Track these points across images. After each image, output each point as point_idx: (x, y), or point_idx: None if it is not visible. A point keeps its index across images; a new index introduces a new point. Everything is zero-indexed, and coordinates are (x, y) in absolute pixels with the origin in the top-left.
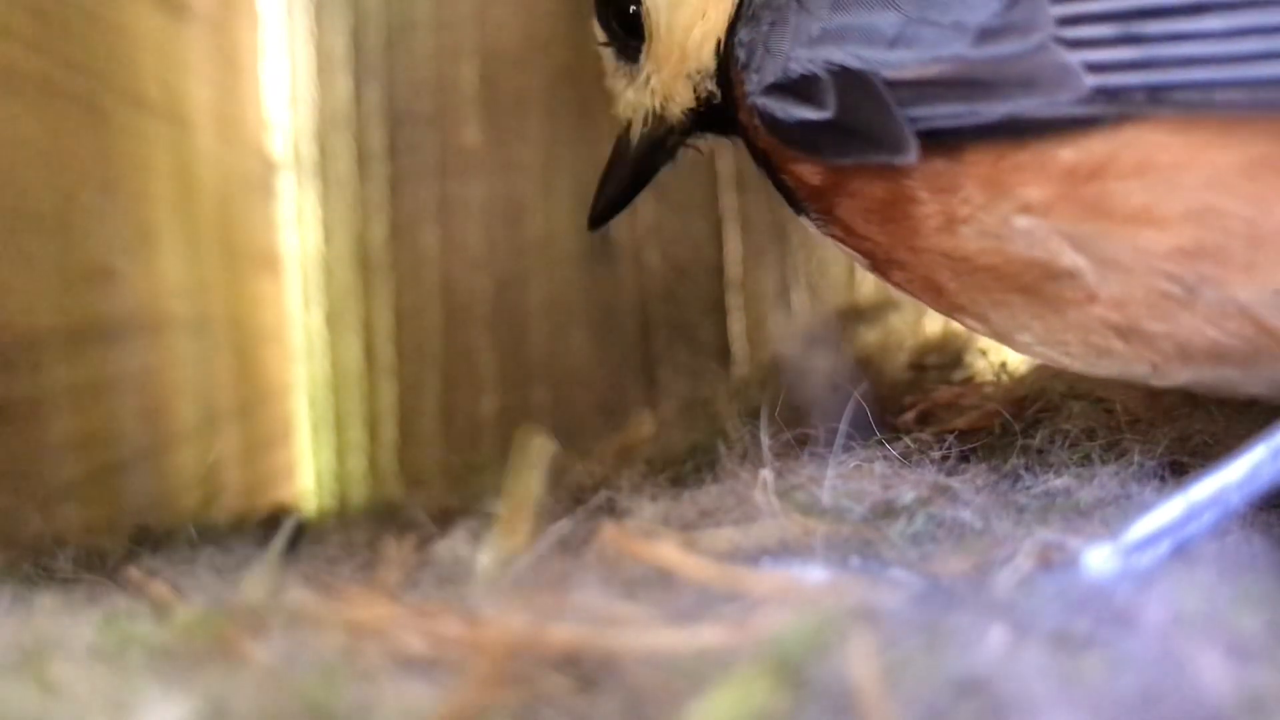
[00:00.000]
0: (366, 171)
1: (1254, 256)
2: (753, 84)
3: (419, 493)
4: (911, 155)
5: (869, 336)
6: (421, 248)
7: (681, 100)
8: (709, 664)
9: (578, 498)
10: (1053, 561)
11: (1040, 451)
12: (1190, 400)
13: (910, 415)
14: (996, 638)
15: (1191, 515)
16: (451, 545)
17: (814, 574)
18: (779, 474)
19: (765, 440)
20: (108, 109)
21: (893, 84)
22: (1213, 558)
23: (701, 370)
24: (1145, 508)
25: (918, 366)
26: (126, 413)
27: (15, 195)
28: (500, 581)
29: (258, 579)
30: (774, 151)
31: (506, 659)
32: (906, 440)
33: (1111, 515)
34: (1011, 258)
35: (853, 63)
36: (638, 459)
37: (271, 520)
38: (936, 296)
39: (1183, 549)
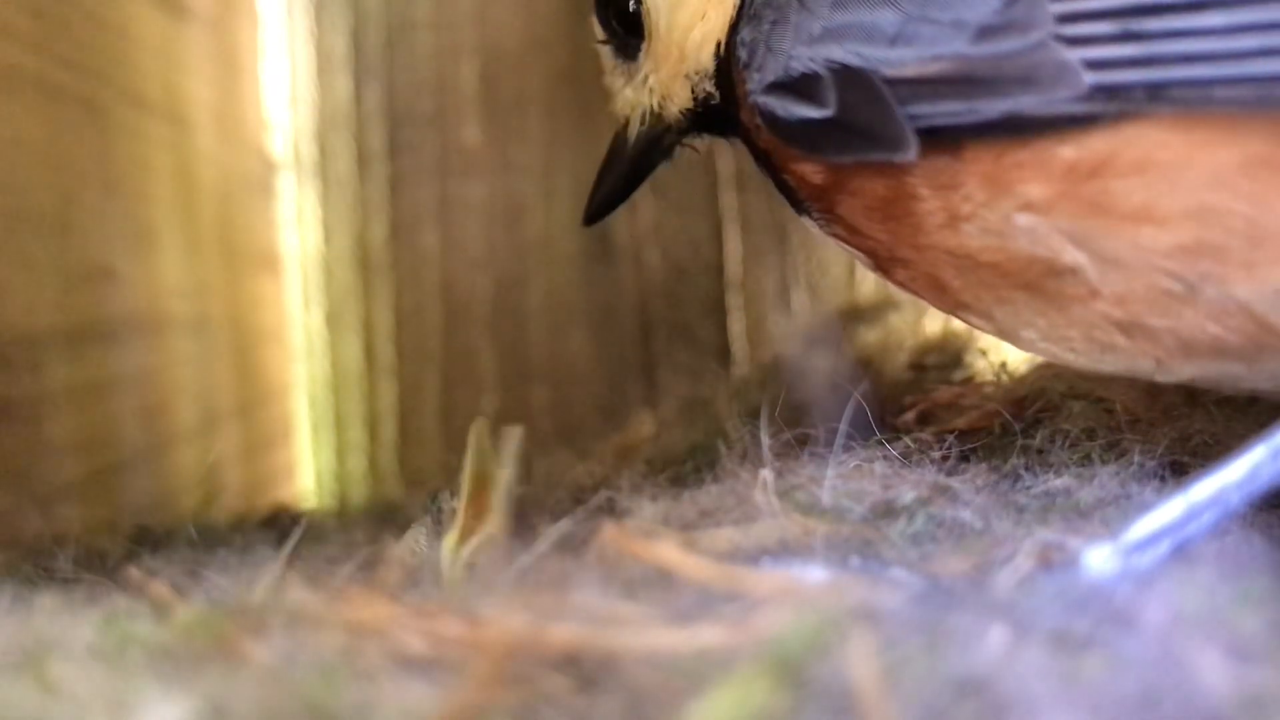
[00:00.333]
0: (366, 171)
1: (1254, 254)
2: (754, 83)
3: (419, 493)
4: (911, 153)
5: (869, 336)
6: (421, 248)
7: (679, 100)
8: (709, 664)
9: (578, 498)
10: (1053, 561)
11: (1040, 451)
12: (1190, 400)
13: (910, 415)
14: (996, 638)
15: (1191, 515)
16: (410, 541)
17: (814, 574)
18: (779, 474)
19: (765, 440)
20: (108, 109)
21: (893, 82)
22: (1213, 558)
23: (701, 370)
24: (1145, 508)
25: (918, 366)
26: (126, 413)
27: (15, 195)
28: (467, 574)
29: (270, 581)
30: (775, 151)
31: (506, 659)
32: (906, 440)
33: (1111, 515)
34: (1014, 255)
35: (853, 61)
36: (638, 459)
37: (272, 520)
38: (940, 294)
39: (1183, 549)
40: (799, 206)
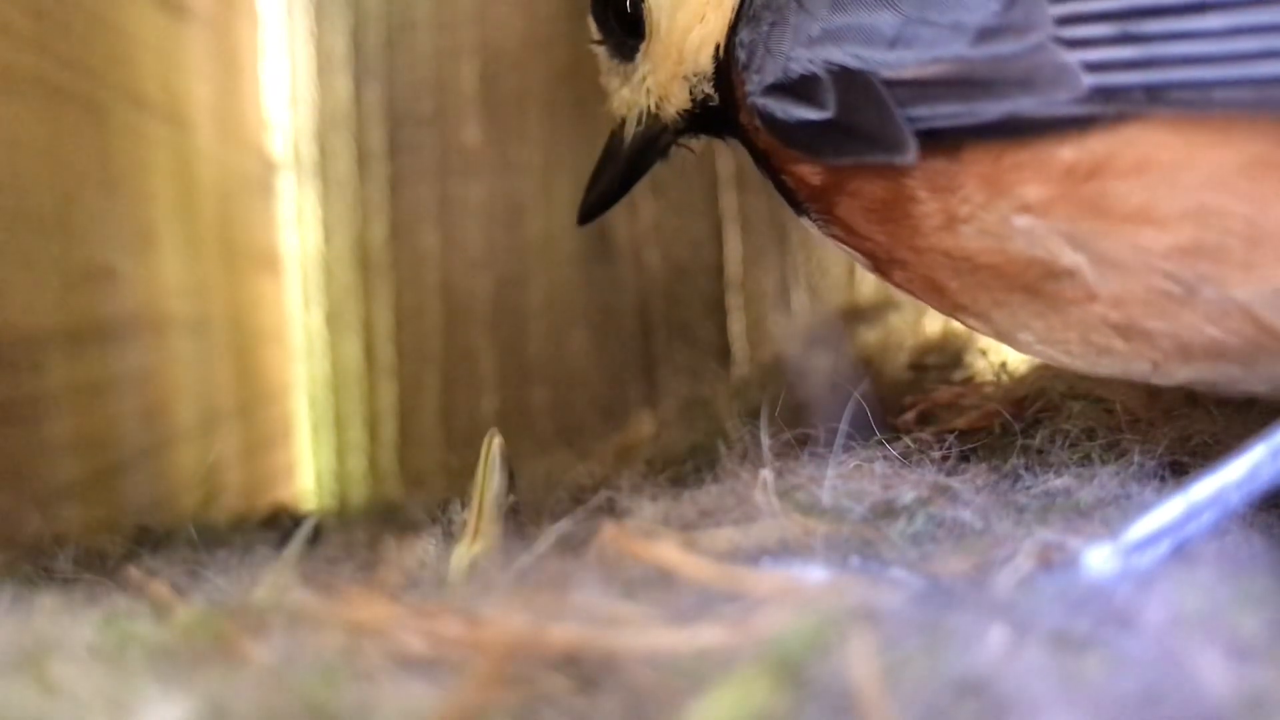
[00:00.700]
0: (366, 171)
1: (1252, 255)
2: (753, 84)
3: (419, 493)
4: (910, 155)
5: (869, 336)
6: (421, 248)
7: (677, 102)
8: (709, 664)
9: (578, 498)
10: (1053, 561)
11: (1040, 451)
12: (1190, 400)
13: (910, 415)
14: (996, 638)
15: (1191, 515)
16: (422, 549)
17: (814, 574)
18: (779, 474)
19: (765, 440)
20: (108, 109)
21: (892, 84)
22: (1213, 557)
23: (701, 370)
24: (1145, 508)
25: (918, 366)
26: (126, 413)
27: (15, 195)
28: (471, 580)
29: (276, 580)
30: (774, 152)
31: (506, 659)
32: (906, 440)
33: (1111, 515)
34: (1012, 257)
35: (852, 63)
36: (638, 459)
37: (272, 520)
38: (938, 296)
39: (1182, 549)
40: (798, 207)
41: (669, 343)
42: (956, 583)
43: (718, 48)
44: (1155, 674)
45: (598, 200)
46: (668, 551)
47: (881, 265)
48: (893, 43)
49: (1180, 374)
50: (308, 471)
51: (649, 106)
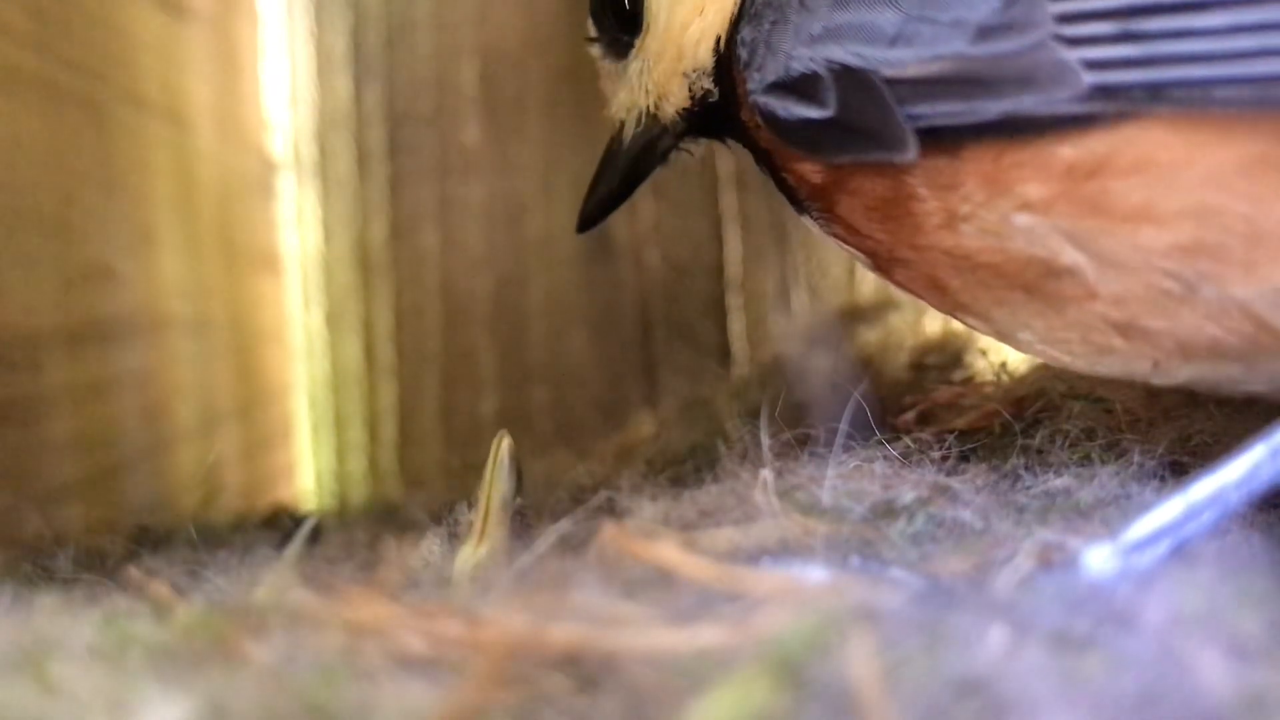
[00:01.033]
0: (366, 171)
1: (1253, 254)
2: (754, 82)
3: (419, 493)
4: (911, 153)
5: (869, 336)
6: (421, 248)
7: (676, 100)
8: (709, 664)
9: (578, 498)
10: (1053, 561)
11: (1040, 451)
12: (1190, 400)
13: (910, 415)
14: (996, 638)
15: (1191, 515)
16: (427, 549)
17: (814, 574)
18: (779, 474)
19: (765, 440)
20: (108, 109)
21: (893, 82)
22: (1212, 557)
23: (701, 370)
24: (1145, 508)
25: (918, 366)
26: (126, 413)
27: (15, 195)
28: (477, 582)
29: (277, 580)
30: (775, 150)
31: (506, 659)
32: (906, 440)
33: (1111, 515)
34: (1012, 255)
35: (853, 61)
36: (638, 459)
37: (272, 520)
38: (939, 295)
39: (1182, 549)
40: (799, 206)
41: (669, 343)
42: (956, 583)
43: (718, 41)
44: (1155, 674)
45: (597, 207)
46: (668, 551)
47: (882, 264)
48: (893, 41)
49: (1181, 373)
50: (308, 471)
51: (648, 106)
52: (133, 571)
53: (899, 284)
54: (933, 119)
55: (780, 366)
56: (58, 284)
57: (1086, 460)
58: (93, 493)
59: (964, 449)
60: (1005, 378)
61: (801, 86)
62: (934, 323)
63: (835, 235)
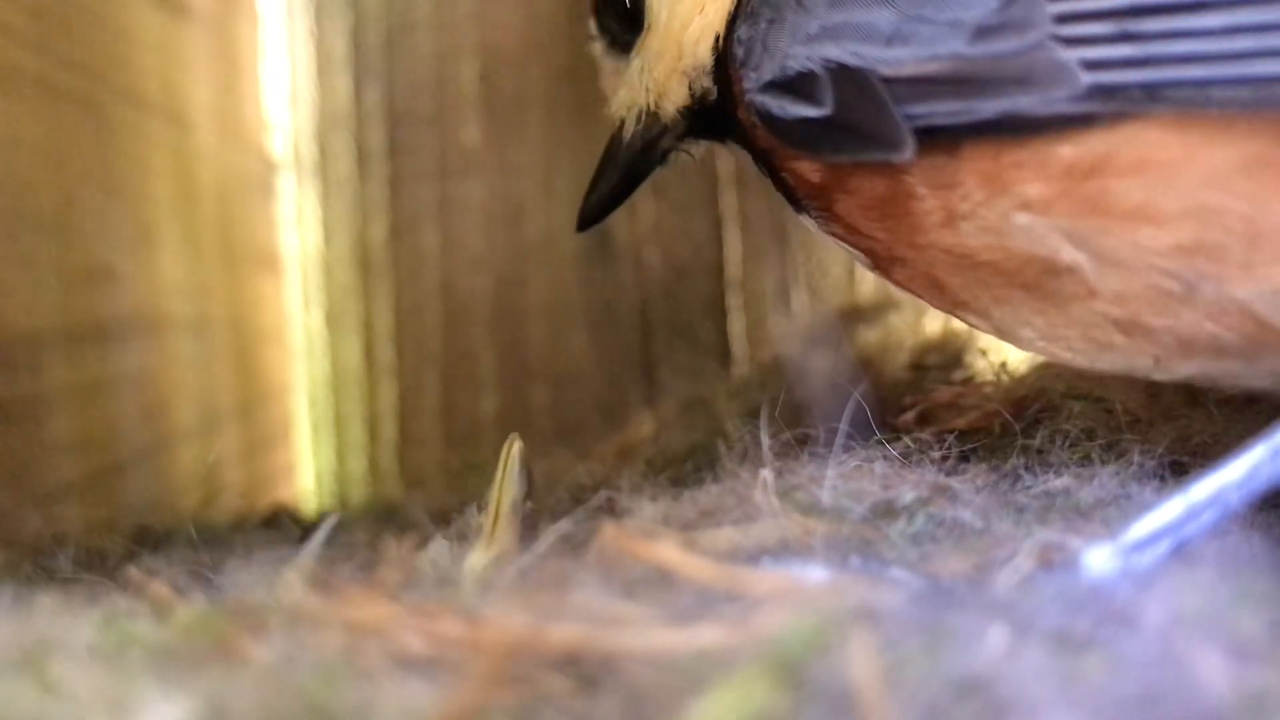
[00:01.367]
0: (366, 171)
1: (1252, 254)
2: (751, 81)
3: (419, 493)
4: (908, 153)
5: (869, 336)
6: (421, 248)
7: (676, 98)
8: (709, 664)
9: (578, 498)
10: (1053, 561)
11: (1040, 451)
12: (1190, 400)
13: (910, 415)
14: (996, 638)
15: (1191, 515)
16: (436, 552)
17: (814, 574)
18: (779, 474)
19: (765, 440)
20: (108, 109)
21: (890, 81)
22: (1213, 558)
23: (701, 370)
24: (1145, 508)
25: (918, 366)
26: (126, 413)
27: (15, 195)
28: (486, 586)
29: (291, 579)
30: (773, 150)
31: (506, 659)
32: (906, 440)
33: (1111, 515)
34: (1012, 253)
35: (850, 60)
36: (638, 459)
37: (272, 520)
38: (938, 293)
39: (1182, 549)
40: (797, 205)
41: (669, 343)
42: (956, 583)
43: (717, 39)
44: (1155, 674)
45: (597, 205)
46: (668, 551)
47: (881, 263)
48: (890, 40)
49: (1181, 370)
50: (308, 471)
51: (648, 105)
52: (133, 571)
53: (897, 282)
54: (930, 118)
55: (780, 366)
56: (58, 284)
57: (1086, 460)
58: (93, 493)
59: (964, 449)
60: (1005, 378)
61: (798, 85)
62: (934, 323)
63: (833, 234)
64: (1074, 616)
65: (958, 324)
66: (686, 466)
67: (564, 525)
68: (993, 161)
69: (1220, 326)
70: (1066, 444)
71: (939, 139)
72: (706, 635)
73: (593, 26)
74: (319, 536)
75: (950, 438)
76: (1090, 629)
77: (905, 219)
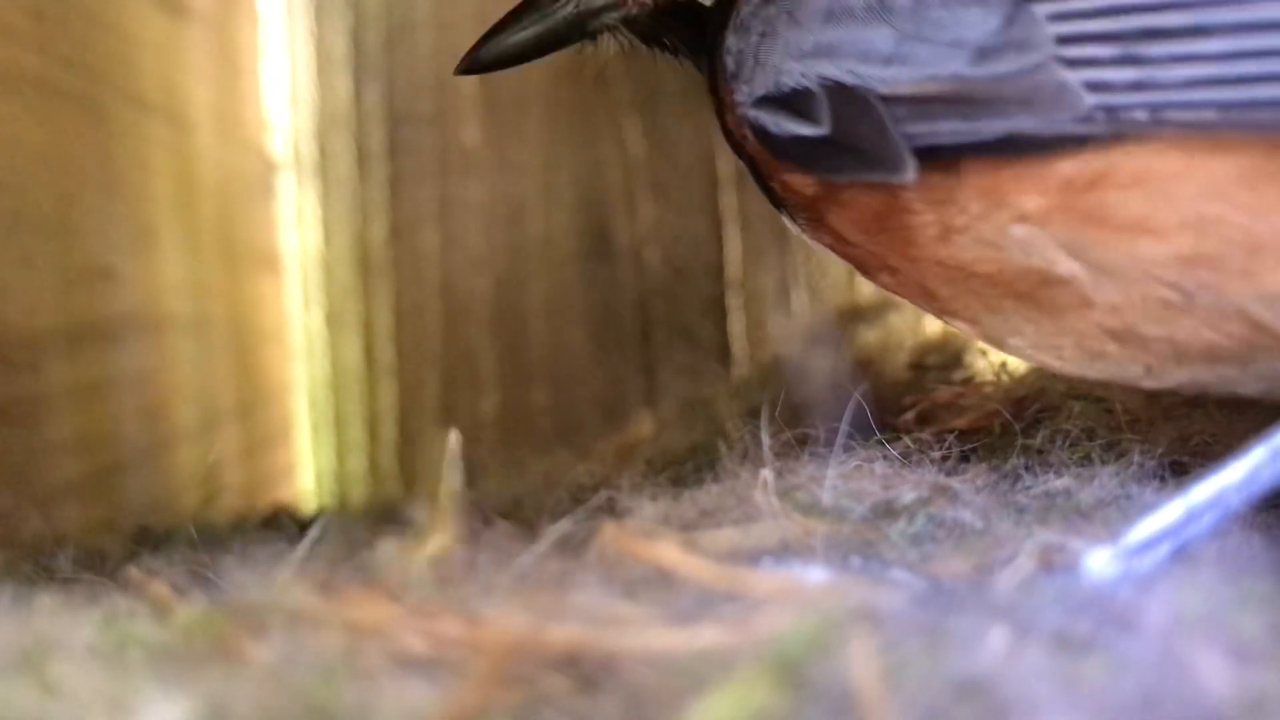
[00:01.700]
0: (366, 171)
1: (1251, 264)
2: (743, 95)
3: (419, 493)
4: (909, 174)
5: (869, 336)
6: (421, 248)
7: None
8: (709, 664)
9: (578, 498)
10: (1053, 563)
11: (1040, 451)
12: (1190, 400)
13: (910, 415)
14: (997, 639)
15: (1191, 518)
16: (382, 550)
17: (814, 574)
18: (779, 474)
19: (765, 440)
20: (108, 109)
21: (889, 100)
22: (1213, 559)
23: (701, 370)
24: (1145, 509)
25: (918, 366)
26: (126, 413)
27: (15, 195)
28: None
29: (288, 579)
30: (763, 159)
31: (506, 659)
32: (906, 440)
33: (1112, 516)
34: (1007, 266)
35: (848, 79)
36: (638, 459)
37: (272, 520)
38: (928, 301)
39: (1183, 551)
40: (780, 206)
41: (669, 343)
42: (957, 584)
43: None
44: (1156, 676)
45: (494, 54)
46: (668, 551)
47: (871, 271)
48: (889, 59)
49: (1174, 377)
50: (308, 471)
51: None
52: (133, 571)
53: (887, 288)
54: (931, 138)
55: (780, 366)
56: (58, 284)
57: (1086, 460)
58: (93, 493)
59: (964, 449)
60: (1005, 378)
61: (793, 102)
62: (934, 323)
63: (822, 242)
64: (1075, 618)
65: None
66: (687, 466)
67: (564, 525)
68: (991, 176)
69: (1217, 333)
70: (1067, 444)
71: (939, 157)
72: (707, 636)
73: None
74: (311, 537)
75: (950, 438)
76: (1091, 631)
77: (899, 232)
